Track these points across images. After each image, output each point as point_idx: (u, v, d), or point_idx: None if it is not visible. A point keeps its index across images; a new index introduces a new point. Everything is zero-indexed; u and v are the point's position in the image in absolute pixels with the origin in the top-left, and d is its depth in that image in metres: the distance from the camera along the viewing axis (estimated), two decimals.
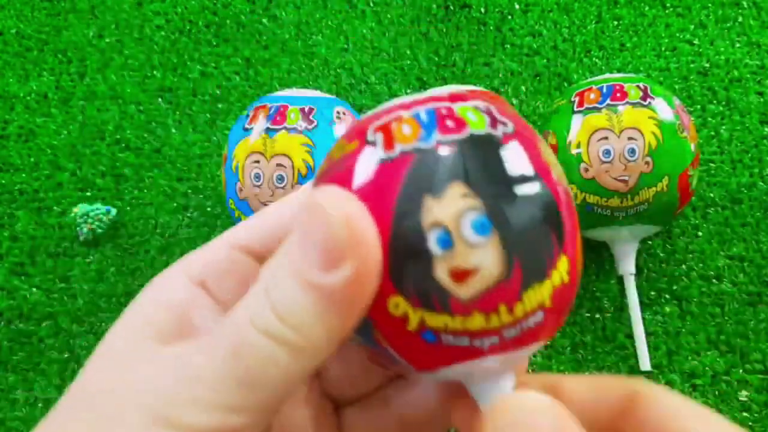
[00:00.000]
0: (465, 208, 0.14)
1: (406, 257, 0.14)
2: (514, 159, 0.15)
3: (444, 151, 0.15)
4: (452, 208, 0.14)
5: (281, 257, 0.15)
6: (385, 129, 0.15)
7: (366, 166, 0.15)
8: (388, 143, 0.15)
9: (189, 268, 0.17)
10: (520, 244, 0.14)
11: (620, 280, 0.38)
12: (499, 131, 0.15)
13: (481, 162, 0.15)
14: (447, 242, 0.14)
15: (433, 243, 0.14)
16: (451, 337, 0.15)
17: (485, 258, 0.14)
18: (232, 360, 0.14)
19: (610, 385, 0.18)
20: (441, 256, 0.14)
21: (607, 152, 0.32)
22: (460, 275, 0.14)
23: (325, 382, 0.20)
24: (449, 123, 0.15)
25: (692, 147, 0.33)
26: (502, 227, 0.14)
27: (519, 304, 0.14)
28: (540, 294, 0.15)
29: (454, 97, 0.16)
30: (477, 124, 0.15)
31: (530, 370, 0.37)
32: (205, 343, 0.15)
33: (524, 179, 0.15)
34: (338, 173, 0.15)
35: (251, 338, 0.14)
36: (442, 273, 0.14)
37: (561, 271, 0.15)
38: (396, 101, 0.16)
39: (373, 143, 0.15)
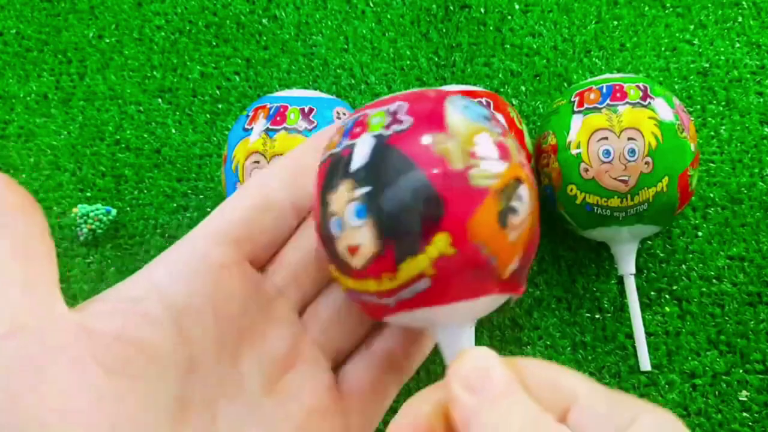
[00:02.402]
0: (349, 200, 0.18)
1: (325, 237, 0.19)
2: (395, 155, 0.18)
3: (345, 154, 0.19)
4: (341, 200, 0.18)
5: None
6: (331, 135, 0.20)
7: (317, 172, 0.20)
8: (325, 149, 0.20)
9: (214, 231, 0.21)
10: (391, 227, 0.18)
11: (620, 280, 0.38)
12: (390, 131, 0.19)
13: (368, 159, 0.18)
14: (340, 226, 0.18)
15: (333, 227, 0.19)
16: (365, 296, 0.19)
17: (364, 238, 0.18)
18: None
19: (547, 376, 0.19)
20: (339, 236, 0.19)
21: (607, 152, 0.32)
22: (352, 250, 0.18)
23: (316, 334, 0.22)
24: (357, 129, 0.19)
25: (692, 147, 0.33)
26: (375, 213, 0.18)
27: (398, 273, 0.18)
28: (417, 265, 0.18)
29: (383, 102, 0.20)
30: (375, 127, 0.19)
31: None
32: None
33: (399, 172, 0.18)
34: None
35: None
36: (342, 248, 0.19)
37: (438, 246, 0.18)
38: (377, 101, 0.21)
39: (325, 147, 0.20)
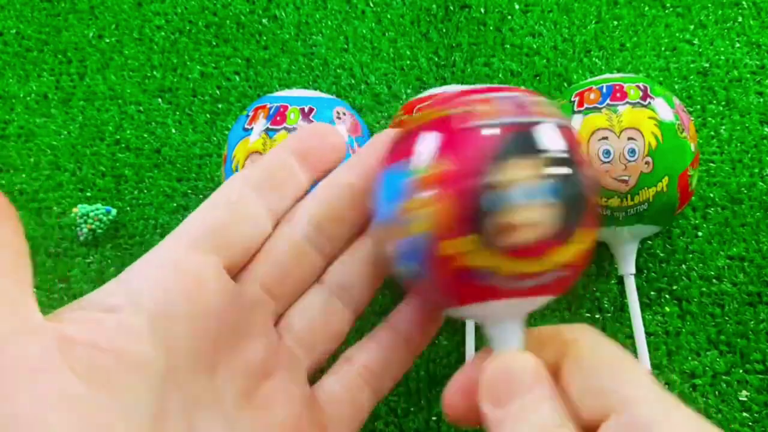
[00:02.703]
0: (540, 176, 0.18)
1: (482, 205, 0.18)
2: (555, 139, 0.19)
3: (526, 129, 0.19)
4: (526, 174, 0.18)
5: None
6: (466, 104, 0.20)
7: (452, 135, 0.19)
8: (466, 118, 0.19)
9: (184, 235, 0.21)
10: (578, 211, 0.18)
11: (620, 280, 0.38)
12: (565, 123, 0.20)
13: (564, 143, 0.19)
14: (513, 198, 0.18)
15: (500, 198, 0.18)
16: (498, 278, 0.18)
17: (536, 216, 0.18)
18: None
19: (548, 336, 0.19)
20: (507, 208, 0.18)
21: (607, 152, 0.32)
22: (519, 227, 0.18)
23: (291, 343, 0.22)
24: (533, 108, 0.20)
25: (692, 147, 0.33)
26: (567, 195, 0.18)
27: (559, 250, 0.18)
28: (575, 249, 0.18)
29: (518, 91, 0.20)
30: (552, 115, 0.19)
31: None
32: None
33: (587, 162, 0.19)
34: (422, 137, 0.20)
35: None
36: (503, 221, 0.18)
37: (590, 239, 0.19)
38: (476, 87, 0.21)
39: (456, 116, 0.19)
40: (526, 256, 0.18)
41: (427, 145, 0.19)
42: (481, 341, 0.37)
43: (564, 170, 0.18)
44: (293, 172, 0.22)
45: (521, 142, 0.18)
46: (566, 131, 0.19)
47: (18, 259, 0.17)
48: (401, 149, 0.20)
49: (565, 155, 0.19)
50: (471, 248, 0.18)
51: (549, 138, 0.19)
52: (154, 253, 0.20)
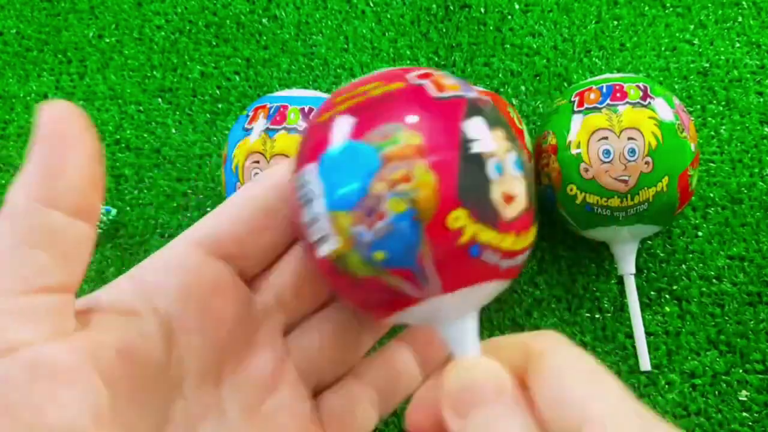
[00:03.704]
0: (508, 148, 0.18)
1: (469, 177, 0.17)
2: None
3: (485, 105, 0.18)
4: (501, 146, 0.17)
5: None
6: (428, 76, 0.18)
7: (418, 101, 0.18)
8: (440, 87, 0.18)
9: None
10: (533, 190, 0.18)
11: (620, 280, 0.38)
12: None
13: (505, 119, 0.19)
14: (500, 170, 0.17)
15: (491, 169, 0.17)
16: (490, 253, 0.17)
17: (521, 189, 0.17)
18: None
19: (512, 344, 0.18)
20: (496, 180, 0.17)
21: (607, 152, 0.32)
22: (508, 198, 0.17)
23: (298, 360, 0.21)
24: (478, 90, 0.19)
25: (692, 147, 0.33)
26: (526, 171, 0.18)
27: (529, 233, 0.18)
28: (532, 235, 0.18)
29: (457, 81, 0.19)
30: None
31: None
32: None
33: (513, 137, 0.19)
34: (391, 105, 0.18)
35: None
36: (497, 194, 0.17)
37: (534, 229, 0.19)
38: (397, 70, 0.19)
39: (423, 85, 0.18)
40: (516, 230, 0.17)
41: (394, 115, 0.17)
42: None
43: (518, 144, 0.18)
44: None
45: (489, 113, 0.18)
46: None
47: (73, 243, 0.16)
48: (340, 131, 0.17)
49: (512, 129, 0.18)
50: (464, 222, 0.16)
51: (500, 113, 0.18)
52: (170, 253, 0.19)
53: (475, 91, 0.19)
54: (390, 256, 0.17)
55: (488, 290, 0.18)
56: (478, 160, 0.17)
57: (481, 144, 0.17)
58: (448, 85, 0.18)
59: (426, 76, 0.18)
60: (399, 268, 0.17)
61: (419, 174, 0.16)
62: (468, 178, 0.17)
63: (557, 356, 0.17)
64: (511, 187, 0.17)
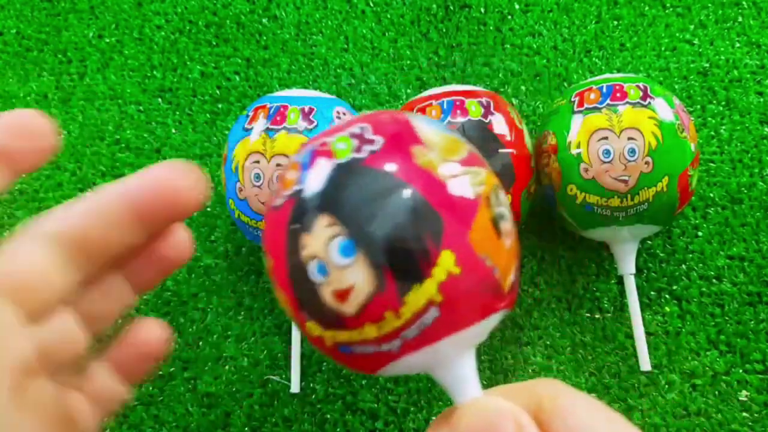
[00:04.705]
0: (331, 236, 0.16)
1: (300, 289, 0.16)
2: (375, 177, 0.16)
3: (314, 188, 0.16)
4: (320, 239, 0.16)
5: None
6: (280, 177, 0.18)
7: (270, 217, 0.18)
8: (278, 192, 0.17)
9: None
10: (387, 256, 0.16)
11: (620, 280, 0.38)
12: (363, 153, 0.17)
13: (344, 188, 0.16)
14: (323, 270, 0.16)
15: (313, 273, 0.16)
16: (359, 347, 0.16)
17: (356, 276, 0.16)
18: None
19: (518, 394, 0.18)
20: (323, 282, 0.16)
21: (607, 152, 0.32)
22: (341, 295, 0.16)
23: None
24: (320, 160, 0.17)
25: (692, 147, 0.33)
26: (366, 245, 0.16)
27: (404, 308, 0.16)
28: (424, 293, 0.16)
29: (337, 129, 0.18)
30: (343, 152, 0.17)
31: (531, 371, 0.37)
32: None
33: (386, 193, 0.16)
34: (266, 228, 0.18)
35: None
36: (327, 296, 0.16)
37: (445, 265, 0.16)
38: (320, 135, 0.18)
39: (274, 192, 0.18)
40: (371, 320, 0.16)
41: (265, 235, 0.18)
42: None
43: (349, 221, 0.16)
44: None
45: (304, 207, 0.17)
46: (357, 168, 0.17)
47: None
48: None
49: (344, 203, 0.16)
50: (317, 333, 0.17)
51: (330, 188, 0.17)
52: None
53: (316, 170, 0.17)
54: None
55: (441, 347, 0.17)
56: (302, 269, 0.16)
57: (301, 249, 0.16)
58: (289, 181, 0.17)
59: (280, 177, 0.18)
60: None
61: (277, 292, 0.17)
62: (300, 291, 0.17)
63: (571, 397, 0.17)
64: (339, 282, 0.16)
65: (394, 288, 0.16)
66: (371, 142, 0.17)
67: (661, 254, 0.39)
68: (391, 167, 0.16)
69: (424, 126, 0.18)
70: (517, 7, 0.46)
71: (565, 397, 0.17)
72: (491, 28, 0.45)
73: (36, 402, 0.16)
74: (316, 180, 0.17)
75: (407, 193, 0.16)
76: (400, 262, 0.16)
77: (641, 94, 0.33)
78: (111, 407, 0.19)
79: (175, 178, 0.17)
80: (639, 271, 0.38)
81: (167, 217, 0.17)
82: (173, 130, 0.44)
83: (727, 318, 0.37)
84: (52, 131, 0.17)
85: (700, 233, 0.39)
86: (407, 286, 0.16)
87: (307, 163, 0.17)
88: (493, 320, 0.18)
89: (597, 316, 0.38)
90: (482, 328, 0.17)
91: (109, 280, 0.19)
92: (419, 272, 0.16)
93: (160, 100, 0.45)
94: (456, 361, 0.17)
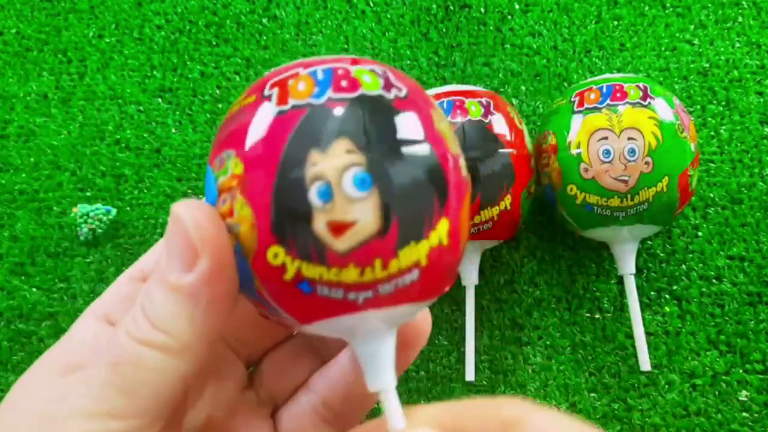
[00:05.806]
0: (348, 163, 0.15)
1: (287, 208, 0.15)
2: (403, 121, 0.16)
3: (334, 108, 0.15)
4: (335, 163, 0.15)
5: (154, 272, 0.16)
6: (282, 84, 0.16)
7: (260, 119, 0.16)
8: (283, 98, 0.16)
9: (95, 308, 0.19)
10: (400, 203, 0.15)
11: (620, 280, 0.38)
12: (391, 94, 0.16)
13: (369, 121, 0.15)
14: (327, 195, 0.15)
15: (314, 195, 0.15)
16: (326, 289, 0.15)
17: (364, 213, 0.15)
18: (111, 370, 0.15)
19: (482, 414, 0.17)
20: (321, 208, 0.15)
21: (607, 152, 0.32)
22: (338, 228, 0.15)
23: (258, 383, 0.22)
24: (343, 83, 0.16)
25: (692, 147, 0.33)
26: (383, 184, 0.15)
27: (394, 260, 0.15)
28: (416, 252, 0.15)
29: (355, 61, 0.17)
30: (370, 86, 0.16)
31: (531, 371, 0.37)
32: (91, 361, 0.16)
33: (411, 142, 0.15)
34: (234, 128, 0.16)
35: (127, 347, 0.15)
36: (320, 224, 0.15)
37: (440, 232, 0.15)
38: (299, 60, 0.17)
39: (269, 98, 0.16)
40: (358, 262, 0.15)
41: (232, 138, 0.16)
42: (481, 341, 0.37)
43: (372, 154, 0.15)
44: None
45: (341, 118, 0.15)
46: (386, 107, 0.16)
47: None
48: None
49: (371, 134, 0.15)
50: (283, 259, 0.15)
51: (355, 115, 0.15)
52: (105, 292, 0.19)
53: (337, 91, 0.16)
54: (241, 285, 0.16)
55: (368, 319, 0.16)
56: (297, 186, 0.15)
57: (304, 165, 0.15)
58: (300, 92, 0.16)
59: (279, 84, 0.16)
60: (250, 298, 0.17)
61: (238, 207, 0.15)
62: (282, 211, 0.15)
63: (541, 418, 0.16)
64: (343, 213, 0.15)
65: (395, 238, 0.15)
66: (398, 87, 0.16)
67: (661, 254, 0.39)
68: (416, 120, 0.16)
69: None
70: (517, 7, 0.46)
71: (534, 418, 0.15)
72: (491, 28, 0.45)
73: None
74: (339, 101, 0.15)
75: (429, 150, 0.16)
76: (411, 214, 0.15)
77: (641, 94, 0.33)
78: None
79: None
80: (639, 271, 0.38)
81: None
82: (173, 130, 0.44)
83: (727, 318, 0.37)
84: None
85: (700, 233, 0.39)
86: (406, 240, 0.15)
87: (326, 81, 0.16)
88: (429, 304, 0.17)
89: (597, 316, 0.38)
90: (423, 308, 0.17)
91: None
92: (421, 230, 0.15)
93: (160, 100, 0.45)
94: (387, 339, 0.17)
